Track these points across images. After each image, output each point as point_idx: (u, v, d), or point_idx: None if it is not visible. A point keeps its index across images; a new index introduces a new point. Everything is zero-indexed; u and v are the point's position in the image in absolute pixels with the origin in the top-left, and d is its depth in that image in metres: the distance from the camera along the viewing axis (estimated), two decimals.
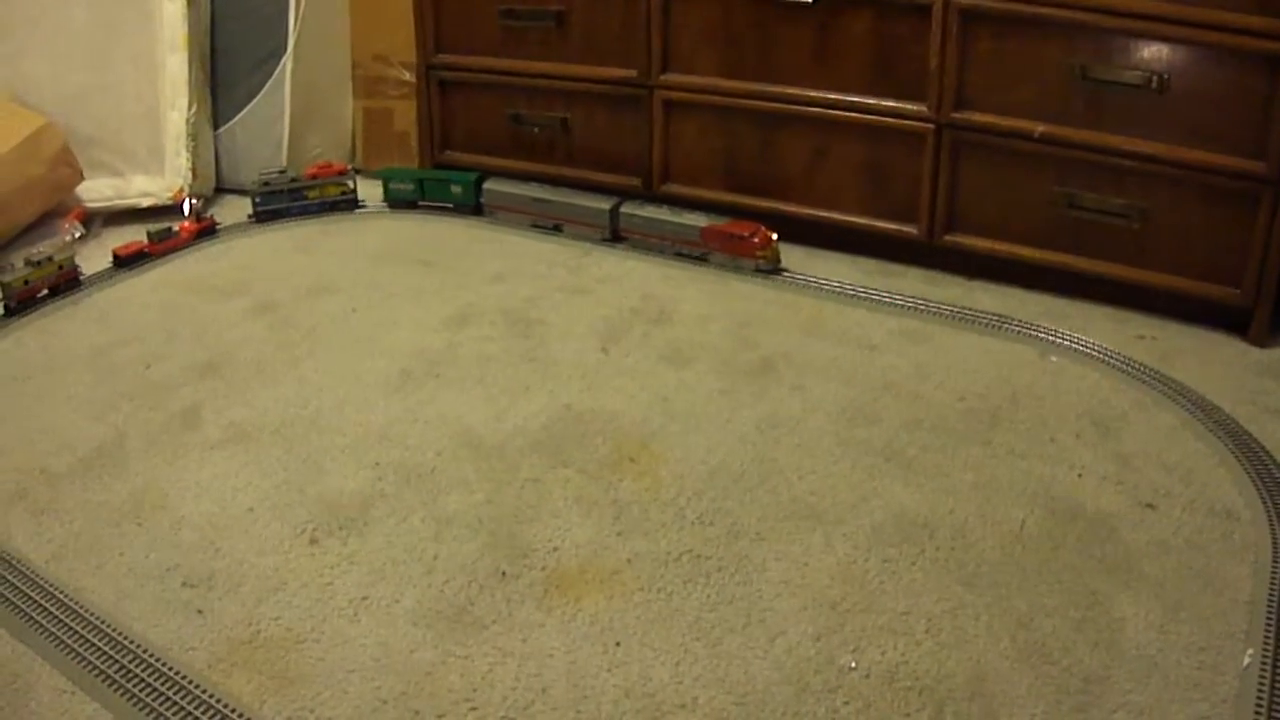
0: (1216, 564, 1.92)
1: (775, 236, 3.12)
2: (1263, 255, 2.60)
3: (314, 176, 3.59)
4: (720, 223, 3.18)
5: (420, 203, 3.65)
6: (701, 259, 3.20)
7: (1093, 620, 1.80)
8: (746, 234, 3.11)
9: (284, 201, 3.55)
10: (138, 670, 1.73)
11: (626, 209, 3.33)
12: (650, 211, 3.30)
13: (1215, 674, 1.69)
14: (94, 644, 1.78)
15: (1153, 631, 1.77)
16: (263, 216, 3.54)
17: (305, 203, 3.57)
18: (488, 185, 3.57)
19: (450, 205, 3.63)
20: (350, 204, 3.64)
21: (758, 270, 3.10)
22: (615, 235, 3.37)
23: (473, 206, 3.59)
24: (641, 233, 3.31)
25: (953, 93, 2.85)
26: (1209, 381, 2.50)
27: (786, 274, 3.10)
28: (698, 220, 3.21)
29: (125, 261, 3.21)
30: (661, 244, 3.27)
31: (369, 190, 3.75)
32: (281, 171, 3.58)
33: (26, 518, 2.11)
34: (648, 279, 3.08)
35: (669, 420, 2.37)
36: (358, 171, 3.82)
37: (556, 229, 3.45)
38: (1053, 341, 2.68)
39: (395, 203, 3.66)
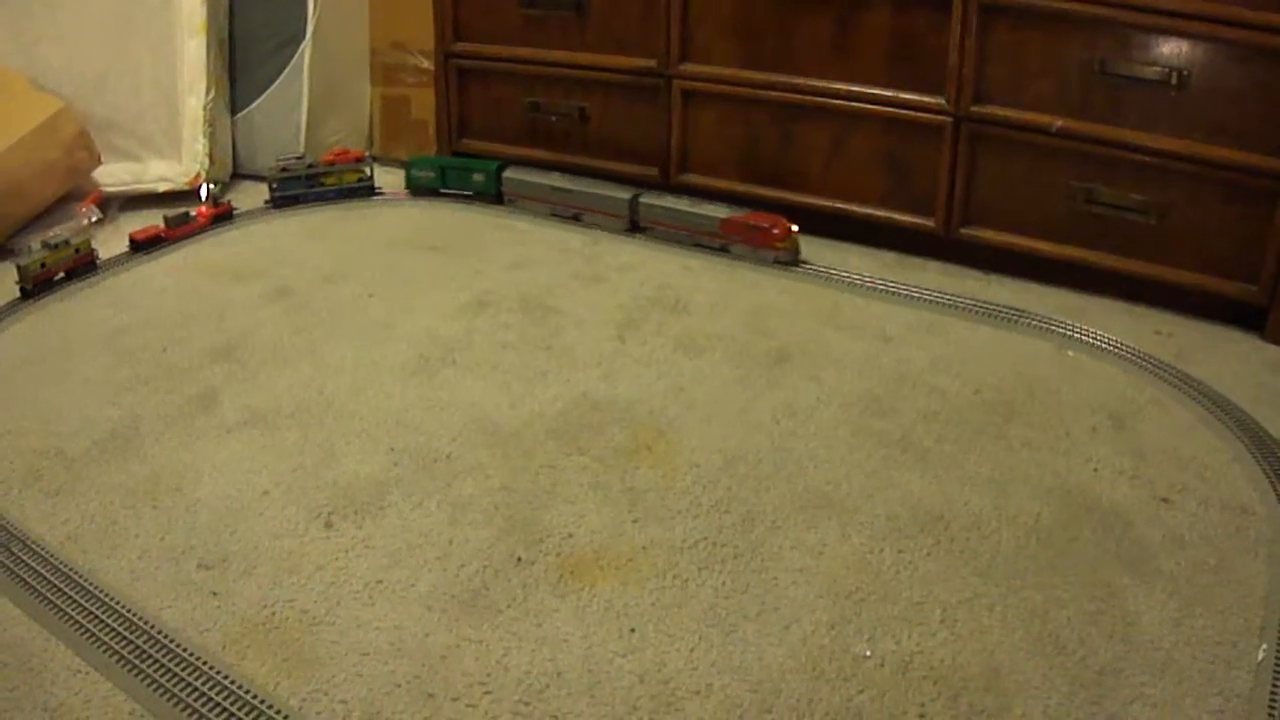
0: (1231, 559, 1.92)
1: (795, 228, 3.12)
2: None
3: (331, 163, 3.59)
4: (740, 214, 3.17)
5: (442, 190, 3.65)
6: (721, 250, 3.19)
7: (1107, 613, 1.79)
8: (766, 225, 3.11)
9: (301, 188, 3.55)
10: (152, 651, 1.73)
11: (646, 199, 3.32)
12: (670, 202, 3.28)
13: (1229, 668, 1.68)
14: (109, 625, 1.79)
15: (1167, 625, 1.77)
16: (280, 203, 3.55)
17: (323, 189, 3.58)
18: (508, 174, 3.56)
19: (471, 193, 3.63)
20: (367, 190, 3.64)
21: (777, 262, 3.10)
22: (635, 226, 3.36)
23: (494, 195, 3.59)
24: (661, 223, 3.29)
25: (971, 86, 2.85)
26: (1225, 377, 2.50)
27: (806, 266, 3.10)
28: (718, 211, 3.19)
29: (141, 246, 3.22)
30: (681, 235, 3.26)
31: (387, 177, 3.76)
32: (299, 157, 3.58)
33: (42, 499, 2.11)
34: (664, 268, 3.08)
35: (685, 409, 2.37)
36: (375, 159, 3.83)
37: (576, 218, 3.45)
38: (1069, 336, 2.68)
39: (417, 189, 3.66)
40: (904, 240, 3.11)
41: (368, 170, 3.65)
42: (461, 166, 3.63)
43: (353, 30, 3.85)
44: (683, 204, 3.27)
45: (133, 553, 1.96)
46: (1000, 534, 1.98)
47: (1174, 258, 2.73)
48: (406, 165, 3.68)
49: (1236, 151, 2.58)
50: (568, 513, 2.04)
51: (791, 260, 3.11)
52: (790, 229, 3.11)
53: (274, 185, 3.55)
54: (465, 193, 3.64)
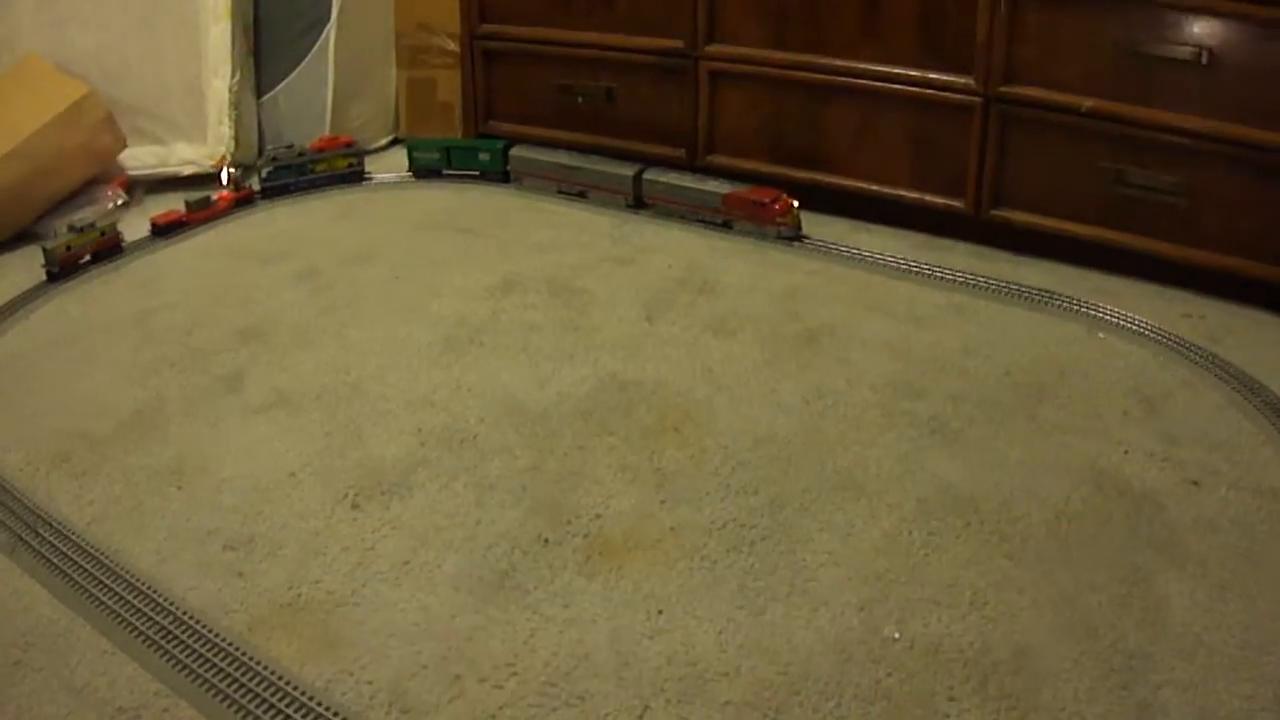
0: (1262, 543, 1.90)
1: (796, 203, 3.13)
2: None
3: (321, 150, 3.58)
4: (742, 189, 3.19)
5: (446, 171, 3.66)
6: (724, 226, 3.21)
7: (1137, 597, 1.78)
8: (767, 200, 3.12)
9: (292, 176, 3.54)
10: (178, 632, 1.74)
11: (650, 175, 3.35)
12: (673, 178, 3.31)
13: (1260, 653, 1.67)
14: (135, 606, 1.79)
15: (1198, 610, 1.76)
16: (269, 192, 3.53)
17: (313, 177, 3.56)
18: (514, 152, 3.58)
19: (477, 173, 3.64)
20: (357, 176, 3.64)
21: (780, 236, 3.12)
22: (639, 202, 3.38)
23: (500, 174, 3.61)
24: (665, 199, 3.32)
25: (1001, 66, 2.82)
26: (1256, 361, 2.47)
27: (808, 240, 3.11)
28: (720, 187, 3.22)
29: (163, 230, 3.23)
30: (684, 210, 3.28)
31: (387, 160, 3.77)
32: (289, 146, 3.57)
33: (68, 481, 2.12)
34: (692, 249, 3.07)
35: (714, 390, 2.36)
36: (398, 141, 3.84)
37: (582, 195, 3.47)
38: (1100, 318, 2.66)
39: (421, 171, 3.66)
40: (933, 221, 3.09)
41: (357, 156, 3.65)
42: (467, 146, 3.64)
43: (378, 12, 3.85)
44: (686, 180, 3.29)
45: (159, 534, 1.96)
46: (1030, 517, 1.96)
47: (1205, 240, 2.71)
48: (408, 148, 3.68)
49: (1268, 132, 2.55)
50: (595, 494, 2.04)
51: (794, 235, 3.12)
52: (791, 204, 3.13)
53: (264, 175, 3.54)
54: (471, 172, 3.65)
